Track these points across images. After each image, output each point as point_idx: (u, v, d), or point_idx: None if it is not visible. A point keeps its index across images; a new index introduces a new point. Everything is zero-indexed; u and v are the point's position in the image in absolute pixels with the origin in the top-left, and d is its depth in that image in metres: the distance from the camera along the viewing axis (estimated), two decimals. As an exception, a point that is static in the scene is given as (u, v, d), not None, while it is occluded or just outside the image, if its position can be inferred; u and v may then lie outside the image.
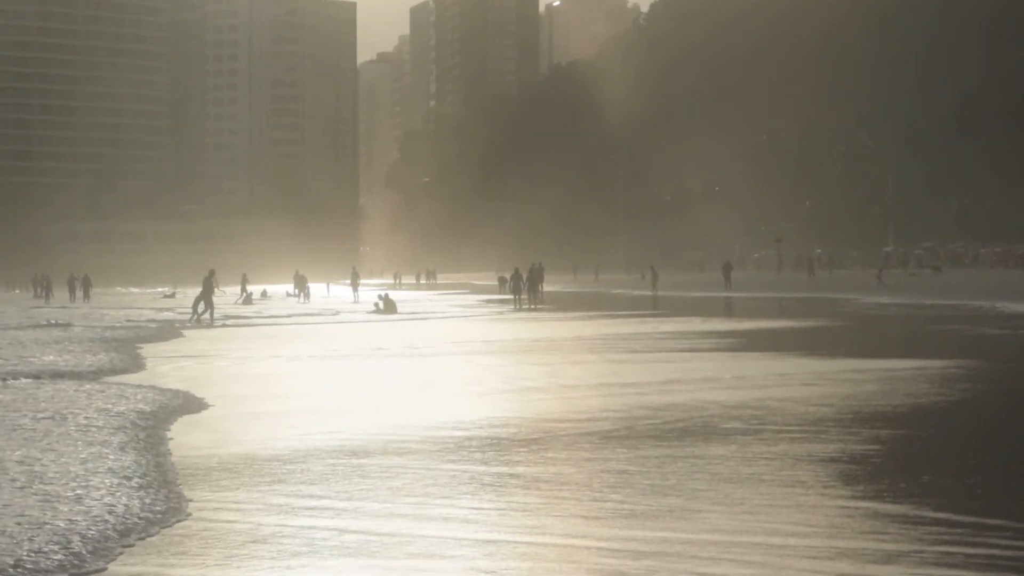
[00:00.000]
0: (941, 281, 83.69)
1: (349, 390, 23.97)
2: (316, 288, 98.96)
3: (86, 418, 18.11)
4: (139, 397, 21.14)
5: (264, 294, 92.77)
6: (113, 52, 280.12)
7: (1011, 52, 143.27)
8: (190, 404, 20.60)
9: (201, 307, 54.96)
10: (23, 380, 24.54)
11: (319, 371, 28.42)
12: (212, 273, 57.34)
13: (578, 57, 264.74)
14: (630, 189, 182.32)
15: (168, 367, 29.26)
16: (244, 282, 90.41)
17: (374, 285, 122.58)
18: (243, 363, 30.75)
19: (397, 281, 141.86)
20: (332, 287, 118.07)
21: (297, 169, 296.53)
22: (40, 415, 18.45)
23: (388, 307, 61.16)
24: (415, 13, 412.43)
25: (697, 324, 45.33)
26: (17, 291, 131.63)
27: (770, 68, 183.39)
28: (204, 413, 19.62)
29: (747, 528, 10.92)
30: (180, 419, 18.68)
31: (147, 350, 35.01)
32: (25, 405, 19.95)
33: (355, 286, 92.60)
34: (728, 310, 59.66)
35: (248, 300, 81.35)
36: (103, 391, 22.21)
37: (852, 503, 11.78)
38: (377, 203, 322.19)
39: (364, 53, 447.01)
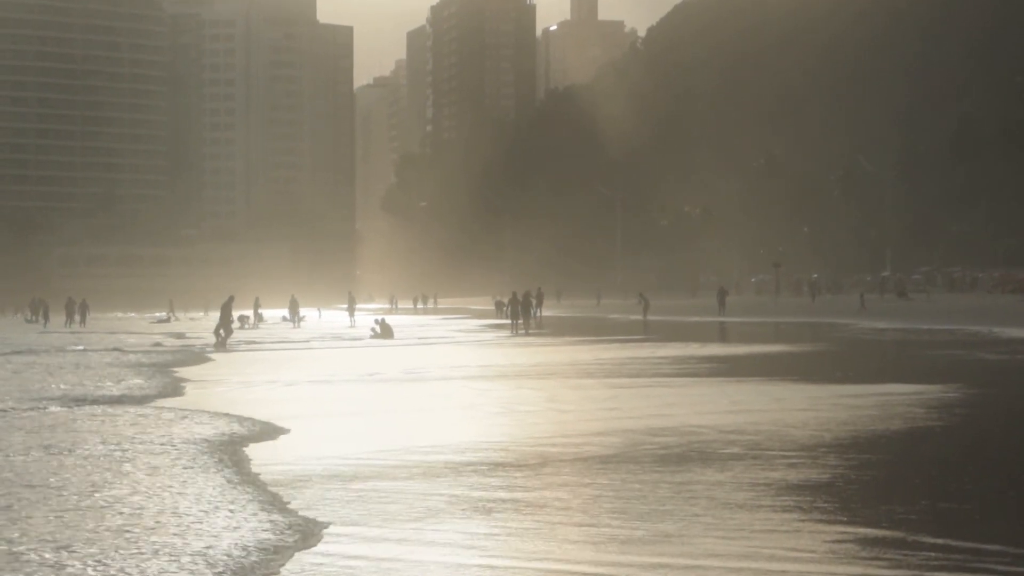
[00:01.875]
0: (933, 306, 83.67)
1: (350, 413, 23.92)
2: (306, 313, 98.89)
3: (162, 445, 18.37)
4: (197, 422, 21.58)
5: (260, 318, 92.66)
6: (111, 76, 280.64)
7: (1008, 76, 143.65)
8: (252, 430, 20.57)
9: (222, 332, 55.59)
10: (89, 407, 24.88)
11: (324, 395, 28.35)
12: (231, 299, 58.08)
13: (575, 81, 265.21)
14: (628, 213, 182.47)
15: (211, 391, 29.66)
16: (256, 306, 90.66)
17: (370, 310, 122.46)
18: (259, 388, 30.76)
19: (393, 306, 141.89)
20: (323, 312, 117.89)
21: (294, 193, 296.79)
22: (129, 443, 18.59)
23: (385, 332, 61.12)
24: (412, 38, 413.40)
25: (694, 349, 45.32)
26: (18, 314, 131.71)
27: (767, 93, 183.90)
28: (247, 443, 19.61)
29: (744, 553, 10.90)
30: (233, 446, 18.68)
31: (183, 374, 35.57)
32: (99, 431, 20.20)
33: (352, 311, 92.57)
34: (724, 335, 59.64)
35: (246, 323, 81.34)
36: (170, 417, 22.51)
37: (850, 528, 11.76)
38: (374, 227, 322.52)
39: (361, 77, 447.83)
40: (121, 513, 12.82)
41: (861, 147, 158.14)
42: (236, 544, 11.38)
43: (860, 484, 14.31)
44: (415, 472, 15.66)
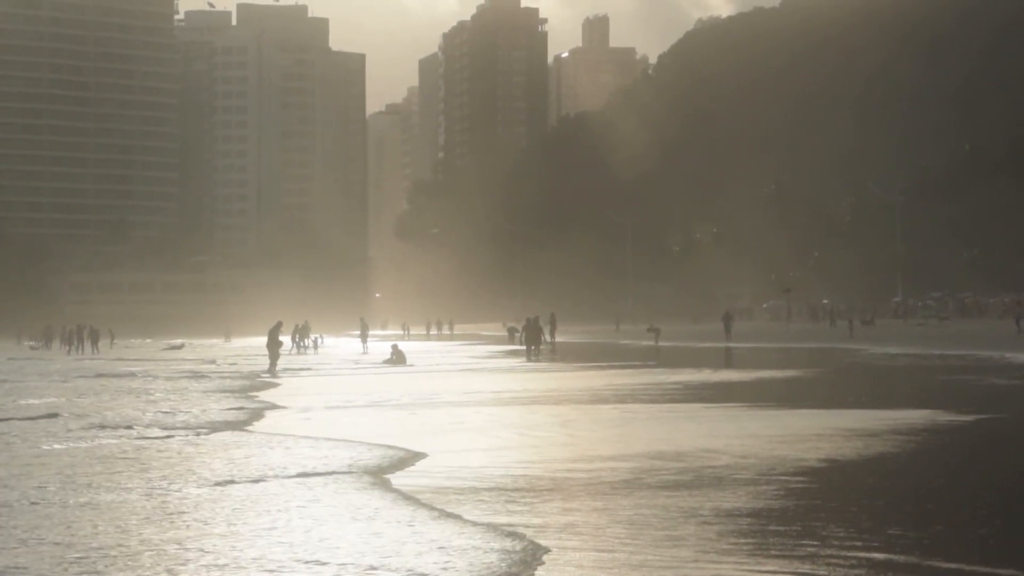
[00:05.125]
0: (944, 331, 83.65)
1: (363, 437, 23.93)
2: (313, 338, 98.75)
3: (305, 471, 18.47)
4: (314, 447, 21.93)
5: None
6: (123, 103, 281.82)
7: (1018, 98, 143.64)
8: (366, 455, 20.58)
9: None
10: (218, 434, 25.17)
11: (343, 420, 28.37)
12: (279, 324, 58.60)
13: (586, 107, 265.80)
14: (639, 239, 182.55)
15: (304, 417, 29.67)
16: (295, 332, 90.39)
17: (382, 336, 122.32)
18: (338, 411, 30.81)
19: (406, 332, 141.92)
20: (324, 338, 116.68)
21: (306, 219, 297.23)
22: (275, 471, 18.67)
23: (398, 358, 61.32)
24: (424, 64, 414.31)
25: (705, 375, 45.27)
26: (40, 344, 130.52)
27: (778, 118, 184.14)
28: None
29: (758, 579, 10.92)
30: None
31: (262, 398, 36.08)
32: (252, 459, 20.32)
33: (364, 337, 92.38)
34: (734, 361, 59.54)
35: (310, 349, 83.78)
36: (287, 444, 22.64)
37: (863, 553, 11.75)
38: (387, 253, 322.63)
39: (373, 104, 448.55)
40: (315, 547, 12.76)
41: (871, 172, 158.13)
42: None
43: (873, 508, 14.29)
44: (427, 498, 15.64)
